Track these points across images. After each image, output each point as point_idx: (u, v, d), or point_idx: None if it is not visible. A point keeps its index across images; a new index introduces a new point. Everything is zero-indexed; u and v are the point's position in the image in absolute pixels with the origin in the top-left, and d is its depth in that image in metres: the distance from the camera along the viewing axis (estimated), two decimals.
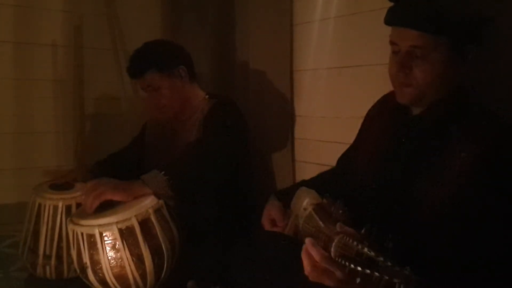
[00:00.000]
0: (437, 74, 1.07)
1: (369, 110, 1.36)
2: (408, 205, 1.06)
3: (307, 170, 1.95)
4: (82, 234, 1.32)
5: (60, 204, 1.52)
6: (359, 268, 0.76)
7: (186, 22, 2.47)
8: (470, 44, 1.07)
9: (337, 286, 0.85)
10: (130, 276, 1.32)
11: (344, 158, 1.44)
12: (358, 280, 0.76)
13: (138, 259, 1.32)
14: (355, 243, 0.80)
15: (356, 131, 1.39)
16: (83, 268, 1.34)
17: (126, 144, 1.99)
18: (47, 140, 2.30)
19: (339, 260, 0.82)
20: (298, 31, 1.98)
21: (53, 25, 2.30)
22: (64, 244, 1.51)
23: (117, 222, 1.30)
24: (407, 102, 1.14)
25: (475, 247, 0.96)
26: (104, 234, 1.30)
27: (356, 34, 1.72)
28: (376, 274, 0.73)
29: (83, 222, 1.33)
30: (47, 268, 1.53)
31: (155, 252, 1.34)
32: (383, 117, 1.26)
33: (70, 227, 1.35)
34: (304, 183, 1.40)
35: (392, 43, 1.12)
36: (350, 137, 1.42)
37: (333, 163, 1.49)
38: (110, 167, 1.81)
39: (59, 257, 1.52)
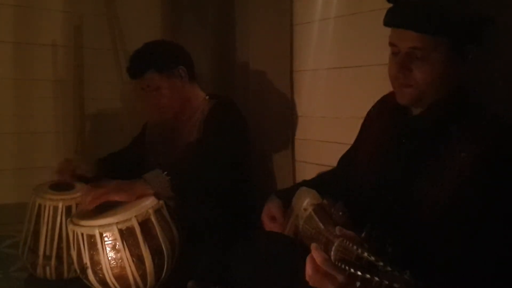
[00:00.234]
0: (437, 74, 1.07)
1: (369, 111, 1.36)
2: (408, 205, 1.06)
3: (307, 170, 1.95)
4: (82, 234, 1.32)
5: (60, 205, 1.52)
6: (359, 273, 0.76)
7: (186, 22, 2.46)
8: (470, 44, 1.07)
9: None
10: (130, 277, 1.32)
11: (345, 159, 1.44)
12: (358, 284, 0.76)
13: (138, 260, 1.32)
14: (355, 247, 0.79)
15: (356, 131, 1.39)
16: (83, 269, 1.34)
17: (126, 144, 1.99)
18: (47, 140, 2.30)
19: (339, 264, 0.82)
20: (298, 31, 1.98)
21: (53, 25, 2.30)
22: (64, 244, 1.51)
23: (117, 223, 1.30)
24: (407, 102, 1.14)
25: (475, 247, 0.96)
26: (104, 235, 1.30)
27: (356, 34, 1.72)
28: (376, 278, 0.73)
29: (83, 222, 1.33)
30: (47, 268, 1.53)
31: (155, 252, 1.34)
32: (383, 117, 1.26)
33: (70, 227, 1.35)
34: (305, 183, 1.40)
35: (391, 44, 1.12)
36: (350, 137, 1.42)
37: (334, 163, 1.49)
38: (110, 166, 1.82)
39: (59, 257, 1.53)
